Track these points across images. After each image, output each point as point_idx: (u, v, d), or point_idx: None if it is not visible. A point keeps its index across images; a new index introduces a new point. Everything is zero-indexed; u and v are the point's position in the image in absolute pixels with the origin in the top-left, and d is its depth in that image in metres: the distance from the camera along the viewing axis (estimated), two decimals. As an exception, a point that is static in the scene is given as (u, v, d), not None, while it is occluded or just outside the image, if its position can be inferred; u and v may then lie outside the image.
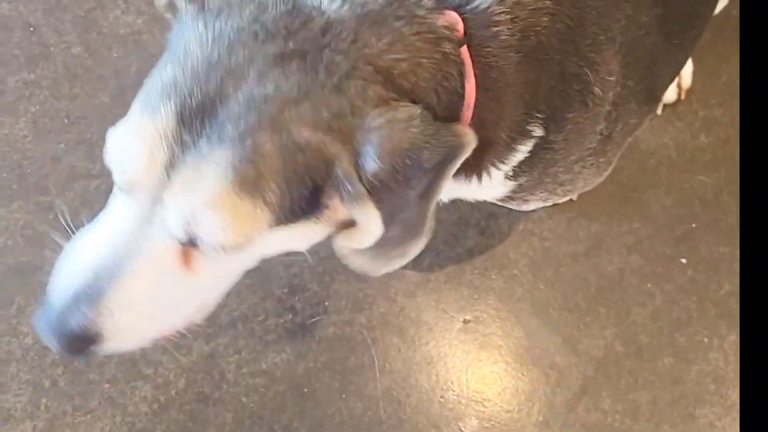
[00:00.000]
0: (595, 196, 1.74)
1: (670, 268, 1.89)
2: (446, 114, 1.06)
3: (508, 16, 1.08)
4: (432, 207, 1.05)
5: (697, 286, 1.87)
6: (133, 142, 0.97)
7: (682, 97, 1.98)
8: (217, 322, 1.83)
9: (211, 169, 0.92)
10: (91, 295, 1.01)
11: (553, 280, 1.87)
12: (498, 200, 1.37)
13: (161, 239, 0.99)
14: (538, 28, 1.09)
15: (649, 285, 1.88)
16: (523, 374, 1.82)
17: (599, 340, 1.84)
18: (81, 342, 1.03)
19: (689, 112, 1.98)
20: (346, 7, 1.00)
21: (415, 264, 1.86)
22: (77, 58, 2.00)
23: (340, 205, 1.00)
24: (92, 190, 1.91)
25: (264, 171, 0.93)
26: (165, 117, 0.93)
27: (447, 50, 1.04)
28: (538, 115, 1.16)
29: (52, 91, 1.98)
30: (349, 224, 1.05)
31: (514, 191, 1.31)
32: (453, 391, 1.81)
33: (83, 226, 1.10)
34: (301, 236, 1.05)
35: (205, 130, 0.93)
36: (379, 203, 0.98)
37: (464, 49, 1.05)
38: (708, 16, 1.44)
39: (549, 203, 1.43)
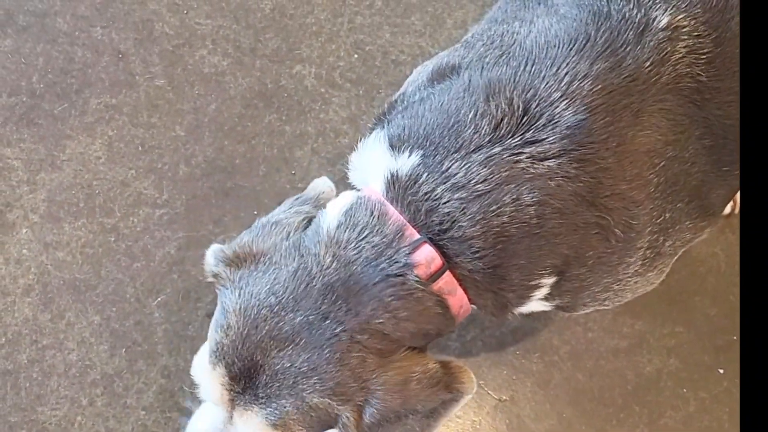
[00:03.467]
0: (644, 294, 1.78)
1: (707, 377, 1.91)
2: (441, 327, 1.31)
3: (480, 231, 1.23)
4: (435, 427, 1.32)
5: (731, 398, 1.90)
6: (205, 382, 1.30)
7: (736, 211, 2.02)
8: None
9: (254, 415, 1.24)
10: None
11: (592, 372, 1.90)
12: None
13: None
14: (518, 224, 1.23)
15: (684, 390, 1.90)
16: (552, 460, 1.85)
17: (630, 437, 1.87)
18: None
19: (742, 226, 2.02)
20: (334, 266, 1.24)
21: (459, 336, 1.89)
22: (159, 90, 2.06)
23: None
24: (155, 219, 1.95)
25: (288, 421, 1.23)
26: (220, 374, 1.26)
27: (419, 296, 1.25)
28: (541, 271, 1.28)
29: (130, 118, 2.04)
30: None
31: (558, 307, 1.42)
32: (482, 466, 1.84)
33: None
34: None
35: (248, 389, 1.24)
36: None
37: (446, 274, 1.25)
38: None
39: (602, 308, 1.49)
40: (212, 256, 1.36)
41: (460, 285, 1.27)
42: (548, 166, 1.21)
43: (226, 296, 1.28)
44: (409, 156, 1.27)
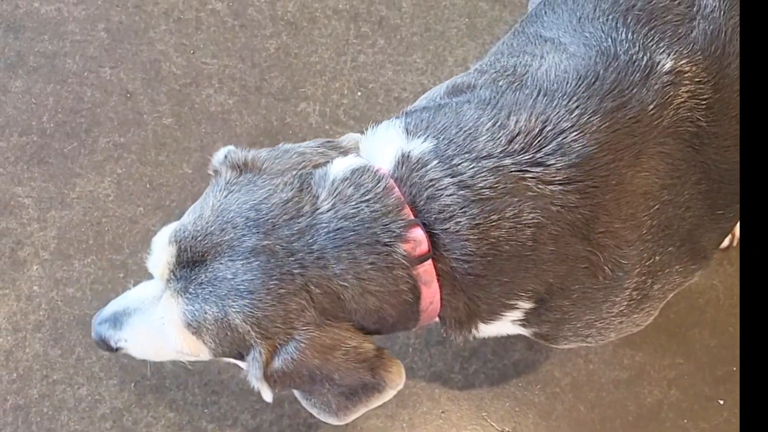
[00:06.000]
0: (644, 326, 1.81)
1: (707, 407, 1.94)
2: (402, 319, 1.30)
3: (476, 237, 1.24)
4: (354, 413, 1.35)
5: (731, 428, 1.92)
6: (156, 253, 1.32)
7: (734, 243, 2.06)
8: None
9: (175, 304, 1.26)
10: (115, 322, 1.40)
11: (593, 403, 1.93)
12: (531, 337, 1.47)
13: (158, 313, 1.31)
14: (513, 242, 1.24)
15: (684, 421, 1.93)
16: (555, 491, 1.87)
17: (632, 468, 1.89)
18: (107, 345, 1.42)
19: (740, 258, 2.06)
20: (329, 214, 1.24)
21: (462, 368, 1.92)
22: (167, 128, 2.11)
23: None
24: (163, 255, 1.98)
25: (202, 328, 1.25)
26: (170, 253, 1.27)
27: (399, 274, 1.24)
28: (521, 293, 1.30)
29: (139, 156, 2.08)
30: None
31: (536, 335, 1.44)
32: (486, 498, 1.86)
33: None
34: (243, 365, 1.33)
35: (184, 279, 1.25)
36: (283, 386, 1.27)
37: (427, 262, 1.25)
38: None
39: (584, 345, 1.51)
40: (223, 154, 1.35)
41: (438, 280, 1.27)
42: (552, 190, 1.23)
43: (214, 191, 1.29)
44: (423, 141, 1.28)
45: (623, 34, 1.32)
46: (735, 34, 1.33)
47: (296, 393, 1.36)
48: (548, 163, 1.24)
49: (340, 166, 1.29)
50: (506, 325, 1.38)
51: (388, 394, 1.32)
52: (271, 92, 2.15)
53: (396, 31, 2.22)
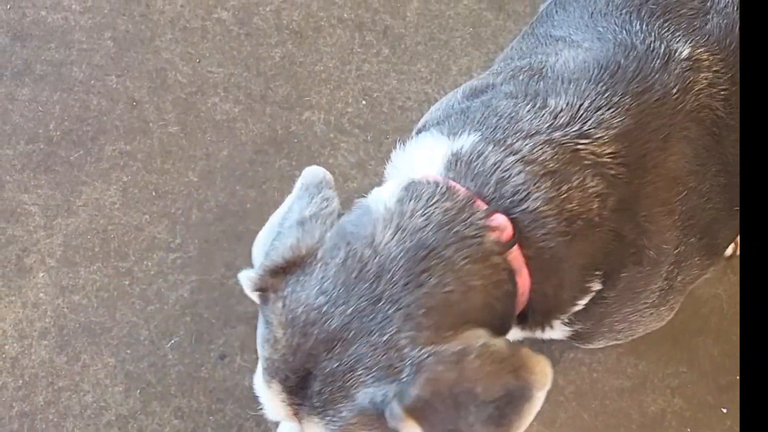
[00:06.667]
0: (648, 334, 1.81)
1: (711, 416, 1.94)
2: (507, 314, 1.19)
3: (555, 211, 1.19)
4: None
5: (734, 437, 1.93)
6: (265, 400, 1.20)
7: (737, 252, 2.06)
8: None
9: (317, 427, 1.14)
10: None
11: (597, 411, 1.93)
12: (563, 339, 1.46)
13: None
14: (586, 215, 1.20)
15: (688, 429, 1.93)
16: (558, 500, 1.87)
17: (636, 476, 1.90)
18: None
19: (744, 267, 2.06)
20: (396, 238, 1.14)
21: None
22: (173, 137, 2.12)
23: None
24: (169, 263, 2.00)
25: (350, 427, 1.11)
26: (276, 391, 1.16)
27: (496, 262, 1.16)
28: (596, 272, 1.26)
29: (144, 164, 2.09)
30: None
31: (572, 336, 1.41)
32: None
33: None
34: None
35: (306, 400, 1.14)
36: (424, 422, 1.09)
37: (515, 248, 1.17)
38: None
39: (613, 343, 1.51)
40: (248, 279, 1.21)
41: (527, 266, 1.19)
42: (604, 161, 1.22)
43: (271, 309, 1.17)
44: (468, 136, 1.24)
45: (638, 26, 1.33)
46: None
47: None
48: (595, 135, 1.22)
49: (388, 192, 1.20)
50: (557, 328, 1.35)
51: (538, 400, 1.12)
52: (276, 101, 2.16)
53: (400, 41, 2.23)
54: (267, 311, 1.18)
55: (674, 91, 1.27)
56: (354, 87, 2.18)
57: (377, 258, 1.13)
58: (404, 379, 1.07)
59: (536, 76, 1.31)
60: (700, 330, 2.00)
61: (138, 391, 1.90)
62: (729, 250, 2.05)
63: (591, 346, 1.56)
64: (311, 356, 1.12)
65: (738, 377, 1.97)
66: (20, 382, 1.90)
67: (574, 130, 1.22)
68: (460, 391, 1.07)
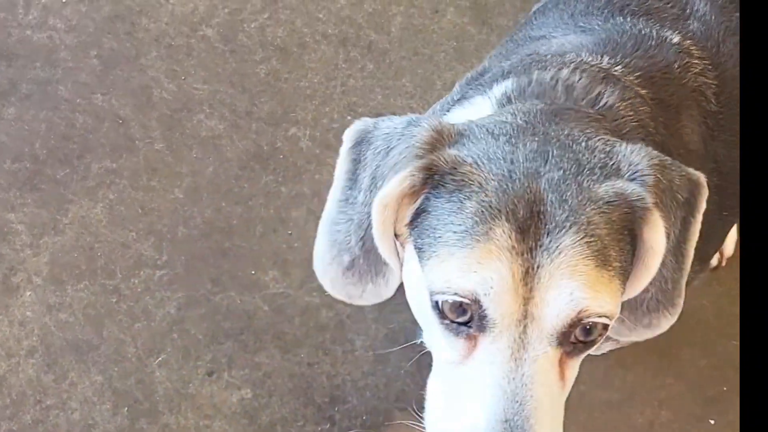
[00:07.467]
0: (635, 346, 1.81)
1: (698, 427, 1.94)
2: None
3: (631, 112, 1.18)
4: (686, 267, 1.09)
5: (722, 448, 1.93)
6: (490, 268, 0.97)
7: (723, 263, 2.07)
8: (258, 422, 1.89)
9: (569, 255, 0.96)
10: None
11: (585, 424, 1.93)
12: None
13: (543, 357, 0.99)
14: (646, 128, 1.20)
15: (676, 441, 1.94)
16: None
17: (624, 489, 1.90)
18: None
19: (729, 278, 2.06)
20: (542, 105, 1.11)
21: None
22: (158, 154, 2.12)
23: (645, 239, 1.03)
24: (155, 279, 2.00)
25: (603, 239, 0.97)
26: (507, 236, 0.96)
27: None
28: None
29: (131, 182, 2.09)
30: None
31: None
32: None
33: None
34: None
35: (542, 229, 0.96)
36: (666, 213, 1.02)
37: None
38: None
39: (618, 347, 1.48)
40: (416, 167, 1.02)
41: None
42: (641, 93, 1.22)
43: (453, 171, 1.01)
44: (502, 82, 1.22)
45: (621, 20, 1.34)
46: (727, 36, 1.35)
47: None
48: (626, 73, 1.23)
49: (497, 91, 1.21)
50: None
51: (673, 318, 1.16)
52: (261, 117, 2.17)
53: (385, 56, 2.24)
54: (453, 176, 1.02)
55: (676, 66, 1.27)
56: (339, 102, 2.19)
57: (548, 107, 1.11)
58: (627, 171, 1.01)
59: (537, 62, 1.27)
60: (687, 342, 2.00)
61: (126, 408, 1.90)
62: (714, 261, 2.05)
63: (599, 351, 1.46)
64: (530, 177, 0.99)
65: (726, 388, 1.98)
66: (8, 400, 1.90)
67: (604, 63, 1.23)
68: (667, 180, 1.03)
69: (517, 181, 0.98)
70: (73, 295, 1.99)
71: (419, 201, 1.04)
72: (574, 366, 1.04)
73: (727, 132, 1.32)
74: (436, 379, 1.08)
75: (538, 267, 0.95)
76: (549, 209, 0.96)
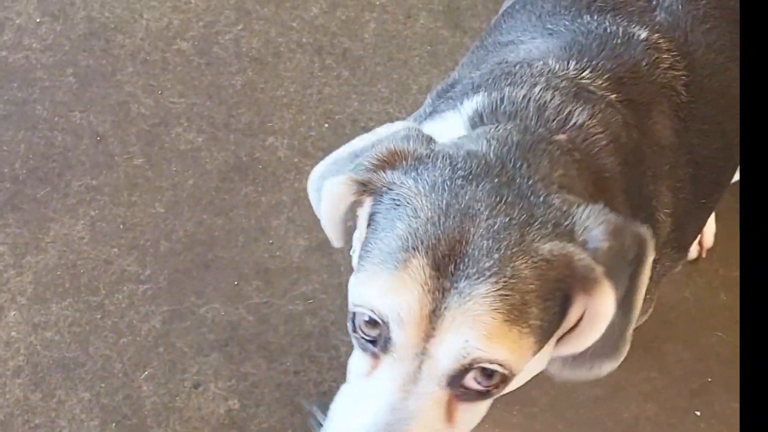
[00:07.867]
0: (617, 343, 1.83)
1: (684, 420, 1.95)
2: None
3: (602, 129, 1.17)
4: (634, 318, 1.06)
5: (708, 440, 1.94)
6: (401, 298, 0.97)
7: (703, 255, 2.08)
8: (246, 432, 1.90)
9: (478, 304, 0.94)
10: None
11: (572, 421, 1.94)
12: None
13: (430, 395, 0.99)
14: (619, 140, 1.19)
15: (662, 434, 1.95)
16: None
17: (612, 484, 1.90)
18: None
19: (710, 270, 2.07)
20: (516, 132, 1.08)
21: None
22: (138, 169, 2.13)
23: (578, 308, 1.02)
24: (139, 294, 2.00)
25: (526, 295, 0.96)
26: (421, 269, 0.96)
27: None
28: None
29: (111, 198, 2.10)
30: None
31: None
32: None
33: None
34: (540, 359, 1.07)
35: (461, 271, 0.95)
36: (615, 280, 1.00)
37: None
38: (727, 185, 1.52)
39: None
40: (346, 180, 1.06)
41: None
42: (611, 100, 1.22)
43: (400, 188, 1.02)
44: (473, 97, 1.21)
45: (588, 18, 1.34)
46: (695, 25, 1.36)
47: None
48: (594, 78, 1.24)
49: (468, 108, 1.19)
50: None
51: (615, 364, 1.11)
52: (239, 128, 2.17)
53: (360, 62, 2.25)
54: (386, 197, 1.03)
55: (644, 63, 1.28)
56: (316, 110, 2.20)
57: (512, 137, 1.08)
58: (581, 236, 0.98)
59: (502, 65, 1.29)
60: (669, 335, 2.01)
61: (114, 424, 1.90)
62: (694, 253, 2.06)
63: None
64: (468, 215, 0.98)
65: (710, 380, 1.99)
66: (-4, 421, 1.91)
67: (572, 69, 1.23)
68: (627, 249, 1.01)
69: (451, 218, 0.97)
70: (57, 313, 1.99)
71: (369, 205, 1.06)
72: (470, 410, 1.04)
73: (699, 121, 1.33)
74: (346, 384, 1.10)
75: (445, 308, 0.95)
76: (476, 254, 0.96)
